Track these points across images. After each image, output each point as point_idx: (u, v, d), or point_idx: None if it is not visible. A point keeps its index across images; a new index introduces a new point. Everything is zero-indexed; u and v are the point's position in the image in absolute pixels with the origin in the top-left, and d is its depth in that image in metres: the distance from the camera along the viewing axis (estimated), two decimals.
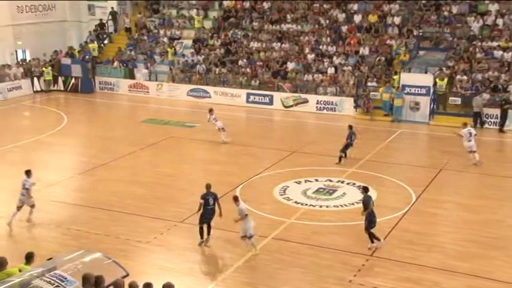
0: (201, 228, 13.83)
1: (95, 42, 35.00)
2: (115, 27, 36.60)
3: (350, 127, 20.14)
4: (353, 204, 16.37)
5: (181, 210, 15.82)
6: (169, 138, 23.14)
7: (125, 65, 32.79)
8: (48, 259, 10.08)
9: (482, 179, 18.61)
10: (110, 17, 36.35)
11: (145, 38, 34.72)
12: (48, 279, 8.77)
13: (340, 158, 19.74)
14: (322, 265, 12.82)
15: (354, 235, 14.39)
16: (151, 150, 21.67)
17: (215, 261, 13.06)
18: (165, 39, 34.13)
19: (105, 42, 36.04)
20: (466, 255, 13.24)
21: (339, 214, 15.77)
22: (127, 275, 9.65)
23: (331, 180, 18.15)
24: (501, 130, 24.38)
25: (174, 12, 36.01)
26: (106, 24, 36.26)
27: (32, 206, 15.10)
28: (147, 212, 15.71)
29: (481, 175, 18.92)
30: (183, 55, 32.78)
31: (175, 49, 33.12)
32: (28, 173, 15.19)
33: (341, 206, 16.31)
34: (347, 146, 19.85)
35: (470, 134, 19.43)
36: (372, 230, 13.49)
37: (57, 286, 8.63)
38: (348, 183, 17.96)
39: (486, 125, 24.74)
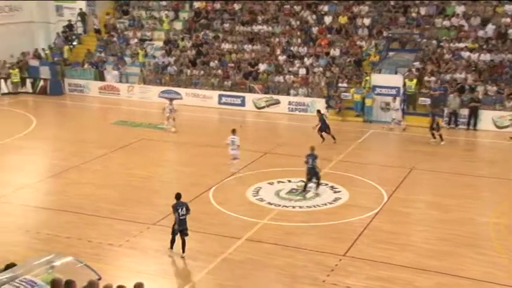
0: None
1: (65, 43, 34.45)
2: (84, 29, 36.08)
3: (318, 111, 22.95)
4: (325, 204, 16.48)
5: (153, 212, 15.68)
6: (141, 140, 22.93)
7: (94, 66, 32.37)
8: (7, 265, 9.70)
9: (453, 178, 18.92)
10: (79, 18, 35.82)
11: (115, 39, 34.34)
12: (18, 285, 8.58)
13: (322, 136, 22.31)
14: (296, 266, 12.86)
15: (326, 235, 14.49)
16: (123, 153, 21.43)
17: (189, 264, 12.97)
18: (136, 41, 33.81)
19: (74, 43, 35.49)
20: (437, 254, 13.44)
21: (312, 215, 15.85)
22: (99, 279, 9.51)
23: (303, 181, 18.22)
24: (474, 129, 24.88)
25: (143, 13, 35.71)
26: (75, 26, 35.73)
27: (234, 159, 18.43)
28: (119, 214, 15.52)
29: (451, 174, 19.24)
30: (154, 56, 32.53)
31: (145, 51, 32.83)
32: (234, 131, 18.47)
33: (314, 206, 16.38)
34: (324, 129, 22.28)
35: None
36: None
37: None
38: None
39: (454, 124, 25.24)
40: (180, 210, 13.08)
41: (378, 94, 26.33)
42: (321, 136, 22.26)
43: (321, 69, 28.87)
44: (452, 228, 14.85)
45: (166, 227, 14.81)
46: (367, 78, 27.11)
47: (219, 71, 30.30)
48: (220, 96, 29.31)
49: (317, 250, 13.58)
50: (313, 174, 17.07)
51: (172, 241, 13.26)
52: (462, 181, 18.64)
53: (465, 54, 27.63)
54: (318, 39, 30.63)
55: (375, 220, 15.38)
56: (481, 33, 28.41)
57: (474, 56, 27.40)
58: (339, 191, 17.48)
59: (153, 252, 13.52)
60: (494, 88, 25.68)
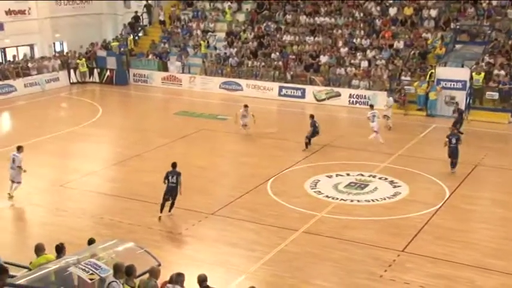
0: None
1: (131, 34, 35.49)
2: (149, 20, 36.97)
3: (311, 117, 20.91)
4: (385, 199, 16.22)
5: (212, 202, 15.94)
6: (201, 131, 23.31)
7: (158, 57, 33.11)
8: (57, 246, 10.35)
9: None
10: (145, 10, 36.73)
11: (179, 30, 34.97)
12: (83, 267, 8.95)
13: (307, 144, 20.54)
14: (352, 260, 12.75)
15: (385, 230, 14.27)
16: (184, 142, 21.86)
17: (245, 254, 13.11)
18: (198, 32, 34.32)
19: (140, 34, 36.45)
20: (502, 253, 12.96)
21: (370, 209, 15.65)
22: (159, 265, 9.78)
23: (362, 175, 18.00)
24: None
25: (207, 5, 36.17)
26: (141, 17, 36.67)
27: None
28: (179, 203, 15.80)
29: None
30: (216, 48, 32.90)
31: (208, 42, 33.27)
32: (372, 106, 20.34)
33: (372, 200, 16.16)
34: (313, 134, 20.64)
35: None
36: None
37: (92, 274, 8.81)
38: (379, 178, 17.79)
39: None
40: (170, 178, 14.60)
41: (443, 88, 25.56)
42: (306, 144, 20.45)
43: (383, 61, 28.31)
44: None
45: (224, 217, 15.07)
46: (432, 71, 26.36)
47: (280, 63, 30.29)
48: (280, 88, 29.32)
49: (375, 245, 13.40)
50: (455, 153, 18.01)
51: (162, 206, 14.74)
52: None
53: None
54: (382, 31, 30.03)
55: (435, 216, 14.99)
56: None
57: None
58: (398, 186, 17.15)
59: (211, 242, 13.76)
60: None
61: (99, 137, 22.93)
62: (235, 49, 32.02)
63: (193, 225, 14.54)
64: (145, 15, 36.82)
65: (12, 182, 16.16)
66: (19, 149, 16.24)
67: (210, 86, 30.99)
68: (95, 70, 33.16)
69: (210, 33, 34.03)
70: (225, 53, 32.01)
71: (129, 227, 14.42)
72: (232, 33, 33.34)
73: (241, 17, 34.58)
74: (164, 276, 9.36)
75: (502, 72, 25.65)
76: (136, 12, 36.59)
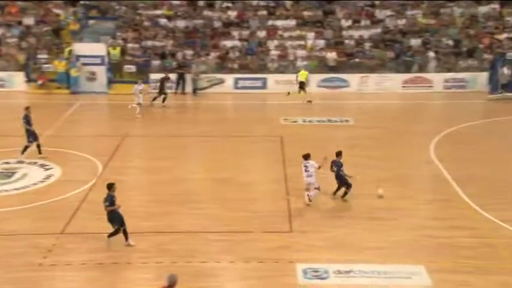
0: None
1: None
2: None
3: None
4: (36, 184, 15.59)
5: None
6: None
7: None
8: None
9: (163, 141, 19.71)
10: None
11: None
12: None
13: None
14: (10, 254, 11.98)
15: (41, 216, 13.82)
16: None
17: None
18: None
19: None
20: (154, 215, 13.95)
21: (21, 197, 14.86)
22: None
23: (8, 162, 16.86)
24: (182, 92, 25.97)
25: None
26: None
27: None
28: None
29: (161, 137, 20.03)
30: None
31: None
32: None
33: (23, 188, 15.34)
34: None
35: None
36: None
37: None
38: (28, 163, 16.96)
39: (169, 90, 25.79)
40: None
41: (83, 64, 25.61)
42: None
43: (15, 39, 26.67)
44: (166, 189, 15.54)
45: None
46: (70, 48, 26.11)
47: None
48: None
49: (32, 233, 12.84)
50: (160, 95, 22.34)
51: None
52: (171, 143, 19.57)
53: (163, 21, 28.72)
54: (7, 7, 28.08)
55: (91, 192, 15.12)
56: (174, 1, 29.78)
57: (171, 23, 28.66)
58: (50, 168, 16.70)
59: None
60: (191, 52, 27.30)
61: None
62: None
63: None
64: None
65: None
66: None
67: None
68: None
69: None
70: None
71: None
72: None
73: None
74: None
75: (136, 46, 27.18)
76: None
